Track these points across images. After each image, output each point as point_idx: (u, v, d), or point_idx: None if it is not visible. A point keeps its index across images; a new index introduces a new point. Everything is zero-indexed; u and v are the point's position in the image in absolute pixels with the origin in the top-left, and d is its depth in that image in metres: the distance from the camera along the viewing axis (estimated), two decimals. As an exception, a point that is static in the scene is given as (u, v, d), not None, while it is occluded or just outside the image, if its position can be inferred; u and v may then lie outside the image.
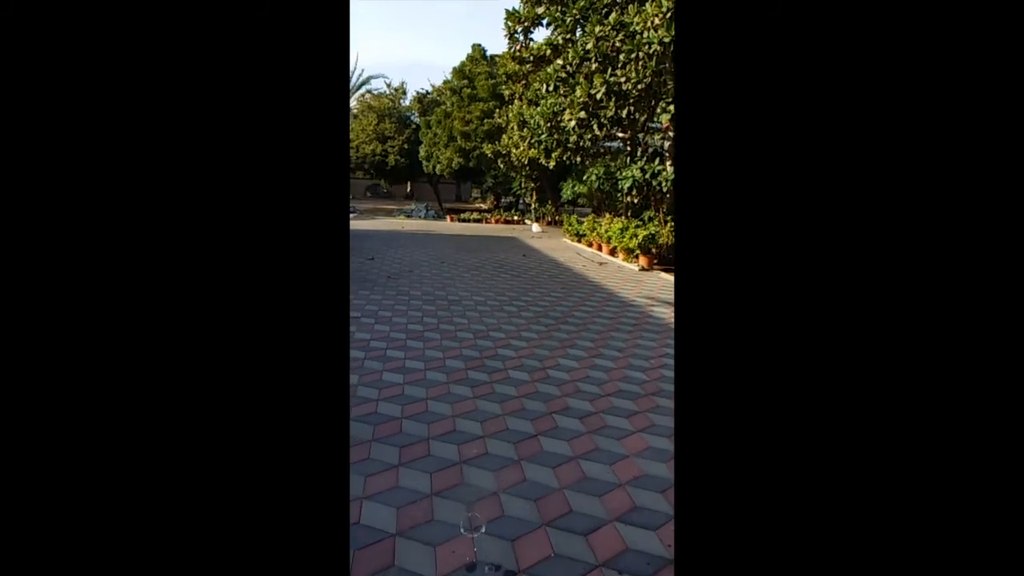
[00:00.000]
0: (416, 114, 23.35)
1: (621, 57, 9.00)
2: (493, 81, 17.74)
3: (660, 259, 9.22)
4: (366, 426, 2.89)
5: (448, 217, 19.06)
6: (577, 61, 9.90)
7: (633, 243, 9.26)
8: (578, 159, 11.20)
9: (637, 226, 9.72)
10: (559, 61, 10.35)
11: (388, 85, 26.37)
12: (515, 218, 18.78)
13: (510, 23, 12.01)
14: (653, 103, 9.46)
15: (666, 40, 8.14)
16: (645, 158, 9.82)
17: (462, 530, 2.03)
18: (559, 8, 11.15)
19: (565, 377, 3.77)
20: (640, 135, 10.45)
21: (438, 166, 19.56)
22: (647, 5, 8.50)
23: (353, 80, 30.18)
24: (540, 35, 41.88)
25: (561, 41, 10.97)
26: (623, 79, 8.98)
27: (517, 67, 12.34)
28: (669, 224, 9.64)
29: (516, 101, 13.28)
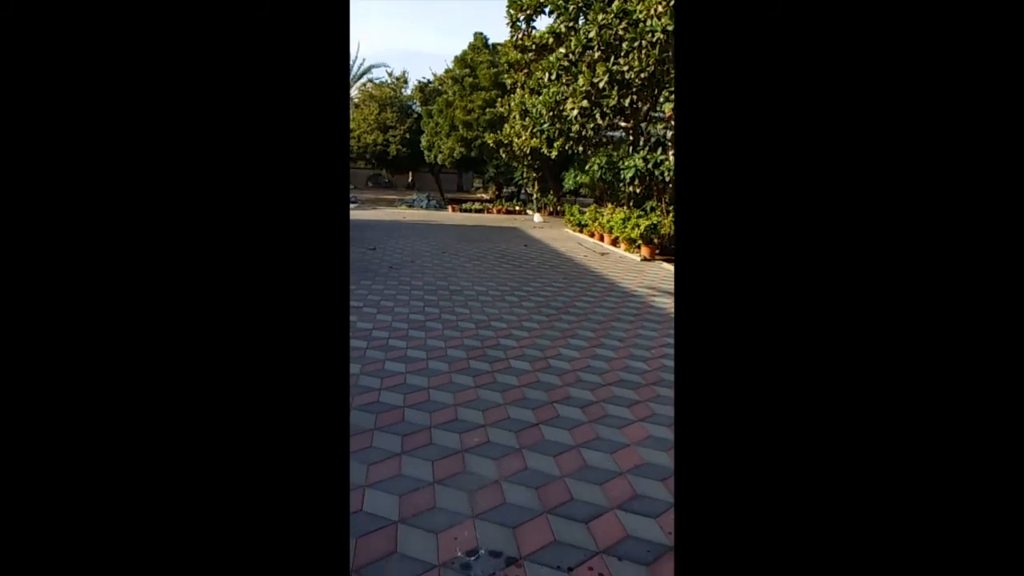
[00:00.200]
0: (418, 103, 23.21)
1: (624, 45, 8.93)
2: (495, 70, 17.62)
3: (662, 249, 9.21)
4: (368, 415, 2.91)
5: (450, 207, 19.02)
6: (580, 49, 9.83)
7: (635, 233, 9.24)
8: (580, 148, 11.15)
9: (639, 216, 9.69)
10: (561, 49, 10.27)
11: (390, 74, 26.20)
12: (517, 208, 18.73)
13: (512, 11, 11.91)
14: (656, 92, 9.39)
15: (669, 28, 8.06)
16: (648, 148, 9.77)
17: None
18: (562, -5, 11.05)
19: (566, 367, 3.78)
20: (643, 124, 10.39)
21: (440, 156, 19.48)
22: (650, -8, 8.42)
23: (354, 70, 29.99)
24: (542, 23, 41.50)
25: (564, 29, 10.88)
26: (626, 68, 8.91)
27: (519, 55, 12.25)
28: (671, 214, 9.62)
29: (518, 90, 13.20)
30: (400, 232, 11.58)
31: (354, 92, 25.78)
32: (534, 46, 11.70)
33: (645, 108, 9.83)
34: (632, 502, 2.21)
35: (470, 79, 18.35)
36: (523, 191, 21.45)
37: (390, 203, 20.46)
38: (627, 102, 9.32)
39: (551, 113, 10.58)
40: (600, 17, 9.20)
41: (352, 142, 22.92)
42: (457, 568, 1.81)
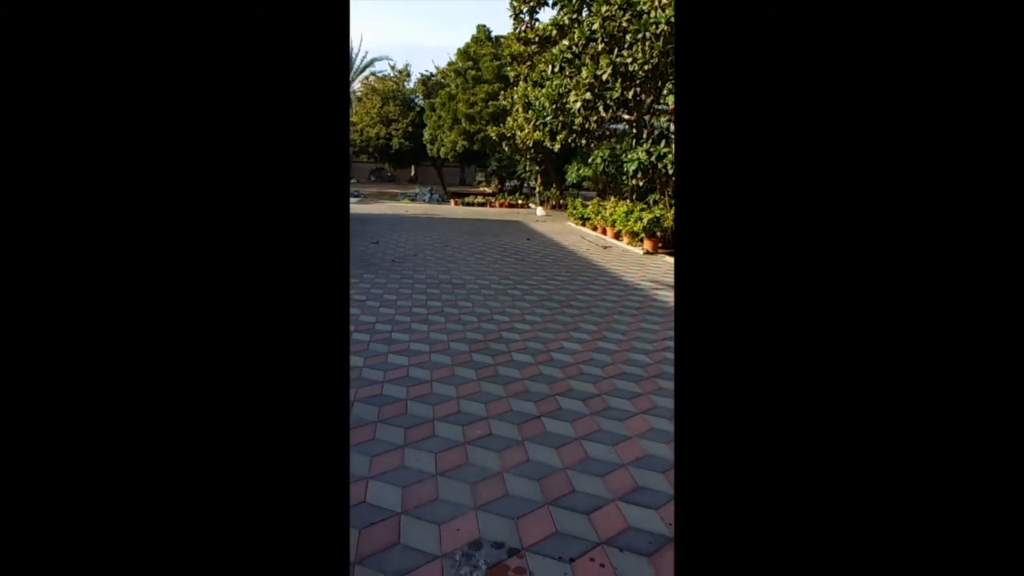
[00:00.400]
0: (420, 97, 23.14)
1: (628, 37, 8.87)
2: (498, 63, 17.55)
3: (665, 243, 9.18)
4: (371, 407, 2.92)
5: (452, 201, 18.99)
6: (583, 42, 9.78)
7: (638, 227, 9.22)
8: (583, 141, 11.11)
9: (642, 209, 9.66)
10: (565, 42, 10.22)
11: (392, 67, 26.16)
12: (519, 202, 18.70)
13: (516, 3, 11.85)
14: (660, 84, 9.34)
15: (673, 20, 8.01)
16: (651, 140, 9.73)
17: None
18: (565, -13, 10.98)
19: (568, 360, 3.79)
20: (646, 117, 10.35)
21: (442, 149, 19.44)
22: (654, -16, 8.36)
23: (357, 63, 29.89)
24: (546, 15, 41.23)
25: (567, 21, 10.82)
26: (629, 60, 8.87)
27: (522, 48, 12.20)
28: (674, 208, 9.58)
29: (521, 83, 13.15)
30: (402, 226, 11.58)
31: (357, 85, 25.71)
32: (537, 38, 11.64)
33: (649, 100, 9.78)
34: (633, 494, 2.22)
35: (473, 72, 18.27)
36: (526, 185, 21.41)
37: (392, 197, 20.45)
38: (631, 94, 9.28)
39: (554, 106, 10.54)
40: (604, 9, 9.15)
41: (355, 135, 22.88)
42: (459, 559, 1.82)
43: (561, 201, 17.45)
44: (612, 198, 11.77)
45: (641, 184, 9.94)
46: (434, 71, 22.24)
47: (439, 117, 19.32)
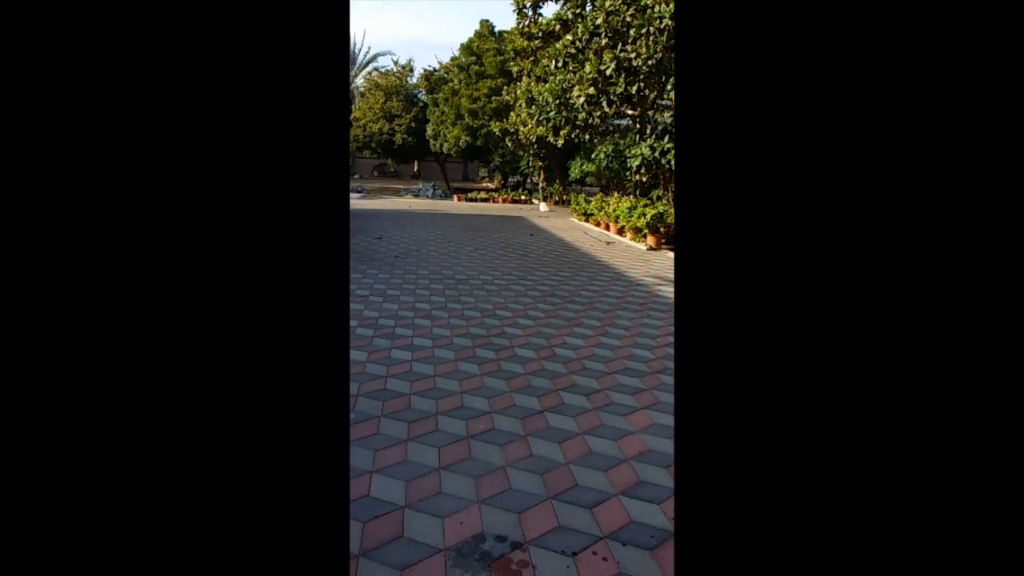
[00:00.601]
0: (423, 92, 23.10)
1: (631, 32, 8.83)
2: (501, 58, 17.49)
3: (668, 239, 9.16)
4: (375, 402, 2.94)
5: (455, 197, 18.99)
6: (587, 36, 9.74)
7: (641, 222, 9.20)
8: (587, 137, 11.08)
9: (645, 205, 9.64)
10: (568, 36, 10.18)
11: (395, 63, 26.10)
12: (522, 197, 18.67)
13: (518, -3, 11.79)
14: (663, 79, 9.30)
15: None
16: (655, 136, 9.69)
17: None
18: (568, -19, 10.92)
19: (571, 355, 3.80)
20: (650, 112, 10.31)
21: (445, 144, 19.42)
22: (658, -22, 8.31)
23: (360, 58, 29.84)
24: (549, 10, 41.05)
25: (571, 16, 10.77)
26: (633, 55, 8.83)
27: (526, 43, 12.15)
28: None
29: (524, 78, 13.10)
30: (406, 221, 11.58)
31: (360, 81, 25.67)
32: (541, 33, 11.59)
33: (652, 96, 9.74)
34: (636, 488, 2.23)
35: (476, 67, 18.23)
36: (529, 180, 21.38)
37: (396, 192, 20.45)
38: (634, 89, 9.24)
39: (557, 101, 10.51)
40: (607, 3, 9.10)
41: (357, 131, 22.87)
42: (463, 552, 1.83)
43: (564, 197, 17.42)
44: (615, 194, 11.75)
45: (644, 180, 9.91)
46: (437, 66, 22.20)
47: (442, 112, 19.29)
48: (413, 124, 22.30)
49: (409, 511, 2.03)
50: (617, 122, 11.78)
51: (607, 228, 10.96)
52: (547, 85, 10.85)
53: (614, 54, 9.03)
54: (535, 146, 15.01)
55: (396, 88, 23.28)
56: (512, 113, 14.23)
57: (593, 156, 12.56)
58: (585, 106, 9.91)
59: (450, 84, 19.37)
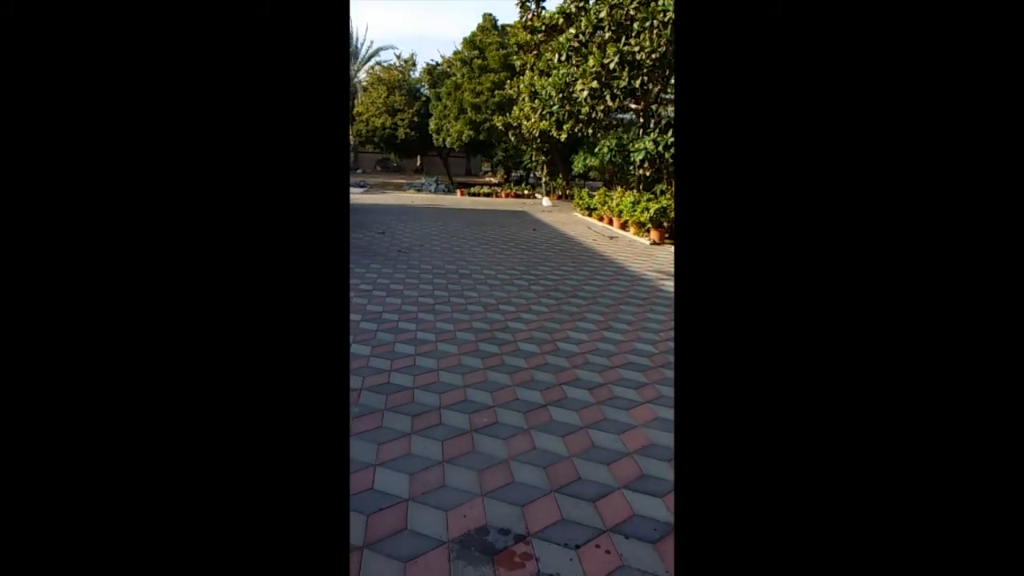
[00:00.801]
0: (426, 86, 23.03)
1: (635, 26, 8.79)
2: (504, 52, 17.43)
3: (671, 233, 9.14)
4: (379, 395, 2.95)
5: (458, 191, 18.96)
6: (590, 30, 9.69)
7: (644, 217, 9.18)
8: (590, 131, 11.05)
9: (649, 200, 9.62)
10: (572, 30, 10.13)
11: (398, 57, 26.01)
12: (525, 192, 18.64)
13: (522, -9, 11.74)
14: (667, 73, 9.25)
15: (682, 7, 7.92)
16: (658, 130, 9.65)
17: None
18: (572, -26, 10.86)
19: (574, 349, 3.80)
20: (654, 106, 10.26)
21: (448, 139, 19.38)
22: (662, -30, 8.26)
23: (362, 53, 29.76)
24: (552, 3, 40.81)
25: (574, 9, 10.72)
26: (637, 48, 8.78)
27: (529, 37, 12.10)
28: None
29: (527, 72, 13.06)
30: (409, 216, 11.58)
31: (362, 75, 25.62)
32: (544, 27, 11.54)
33: (656, 89, 9.69)
34: (639, 482, 2.23)
35: (479, 61, 18.17)
36: (532, 175, 21.32)
37: (398, 187, 20.44)
38: (638, 83, 9.20)
39: (561, 95, 10.47)
40: (611, -4, 9.06)
41: (360, 125, 22.84)
42: (466, 544, 1.84)
43: (567, 191, 17.38)
44: (619, 188, 11.72)
45: (648, 174, 9.88)
46: (440, 60, 22.13)
47: (445, 107, 19.24)
48: (416, 119, 22.26)
49: (413, 504, 2.04)
50: (620, 116, 11.74)
51: (610, 223, 10.94)
52: (550, 79, 10.81)
53: (618, 48, 8.99)
54: (538, 140, 14.97)
55: (399, 82, 23.22)
56: (515, 107, 14.20)
57: (596, 150, 12.51)
58: (588, 100, 9.87)
59: (453, 78, 19.30)
